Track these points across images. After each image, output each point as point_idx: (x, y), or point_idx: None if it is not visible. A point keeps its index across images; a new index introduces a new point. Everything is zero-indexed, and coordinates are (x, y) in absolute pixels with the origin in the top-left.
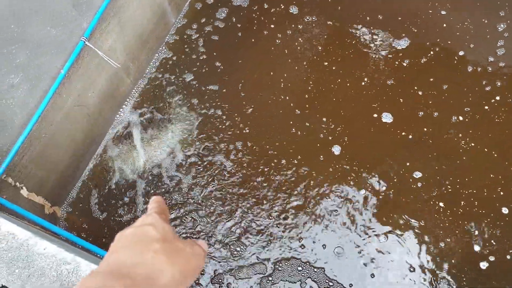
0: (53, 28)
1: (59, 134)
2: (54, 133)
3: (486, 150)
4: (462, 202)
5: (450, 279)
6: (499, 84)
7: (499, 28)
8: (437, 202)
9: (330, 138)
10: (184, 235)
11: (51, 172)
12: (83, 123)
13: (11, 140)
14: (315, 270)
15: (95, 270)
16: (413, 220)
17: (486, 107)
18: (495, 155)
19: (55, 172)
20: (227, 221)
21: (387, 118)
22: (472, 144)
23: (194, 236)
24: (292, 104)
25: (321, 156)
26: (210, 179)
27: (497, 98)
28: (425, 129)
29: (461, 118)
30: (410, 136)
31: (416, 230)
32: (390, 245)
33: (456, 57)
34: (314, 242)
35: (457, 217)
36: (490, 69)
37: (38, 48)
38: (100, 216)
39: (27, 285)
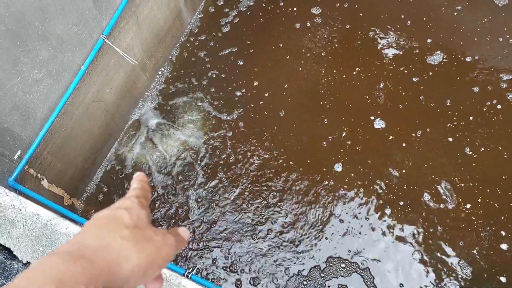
0: (75, 26)
1: (78, 128)
2: (73, 127)
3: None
4: (479, 199)
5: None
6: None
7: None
8: (464, 206)
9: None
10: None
11: (69, 165)
12: (101, 118)
13: (33, 132)
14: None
15: (56, 249)
16: (441, 228)
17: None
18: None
19: (73, 165)
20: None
21: (379, 123)
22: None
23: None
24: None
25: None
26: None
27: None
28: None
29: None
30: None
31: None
32: (412, 250)
33: (464, 63)
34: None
35: (479, 218)
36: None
37: (60, 45)
38: None
39: None
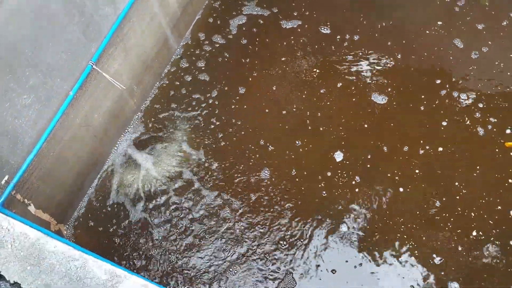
0: (64, 53)
1: (66, 153)
2: (61, 151)
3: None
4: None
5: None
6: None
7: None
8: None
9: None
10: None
11: (57, 190)
12: (89, 142)
13: (21, 157)
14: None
15: None
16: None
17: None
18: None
19: (61, 190)
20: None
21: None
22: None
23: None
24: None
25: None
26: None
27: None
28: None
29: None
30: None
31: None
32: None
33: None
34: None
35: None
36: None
37: (50, 72)
38: (104, 233)
39: (37, 281)
